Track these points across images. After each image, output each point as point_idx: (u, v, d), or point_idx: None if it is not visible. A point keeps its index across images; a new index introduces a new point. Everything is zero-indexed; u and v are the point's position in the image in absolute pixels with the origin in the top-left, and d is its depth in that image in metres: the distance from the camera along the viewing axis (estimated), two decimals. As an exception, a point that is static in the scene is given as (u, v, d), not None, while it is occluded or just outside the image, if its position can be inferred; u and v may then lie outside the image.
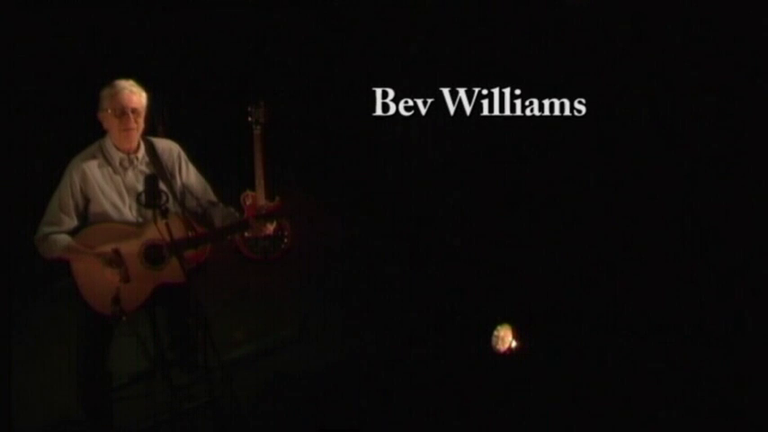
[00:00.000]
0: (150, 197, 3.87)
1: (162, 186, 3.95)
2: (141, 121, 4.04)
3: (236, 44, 5.30)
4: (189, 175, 4.21)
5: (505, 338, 4.72)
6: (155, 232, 3.88)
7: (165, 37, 5.18)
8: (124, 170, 4.06)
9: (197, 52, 5.27)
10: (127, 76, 4.07)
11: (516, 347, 4.70)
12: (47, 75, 5.03)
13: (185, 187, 4.20)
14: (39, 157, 4.92)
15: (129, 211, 4.05)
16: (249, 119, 5.15)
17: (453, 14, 5.21)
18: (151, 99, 4.08)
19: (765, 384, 4.31)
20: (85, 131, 4.18)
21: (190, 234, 4.06)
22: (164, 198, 3.90)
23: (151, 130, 4.22)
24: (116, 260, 3.92)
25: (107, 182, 4.03)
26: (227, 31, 5.29)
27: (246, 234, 4.30)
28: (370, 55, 5.33)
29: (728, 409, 4.23)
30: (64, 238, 3.95)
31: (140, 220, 4.04)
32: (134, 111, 4.00)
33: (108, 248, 3.93)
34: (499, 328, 4.74)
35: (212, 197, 4.26)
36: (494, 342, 4.73)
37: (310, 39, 5.36)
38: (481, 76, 5.18)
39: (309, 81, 5.38)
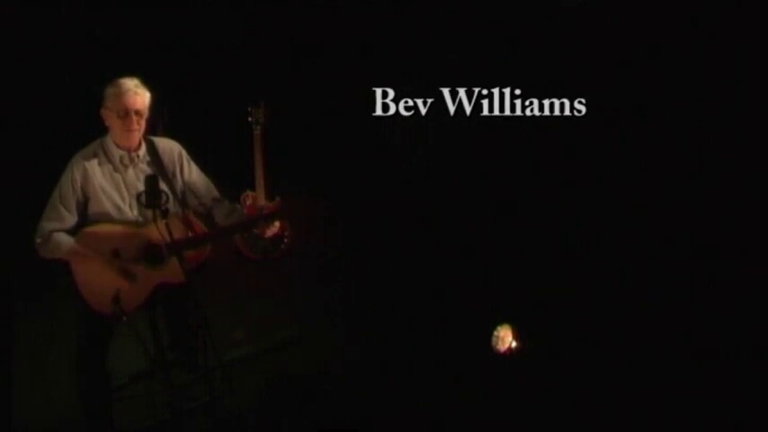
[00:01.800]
0: (150, 198, 3.87)
1: (163, 186, 3.96)
2: (144, 121, 4.05)
3: (236, 44, 5.30)
4: (191, 174, 4.21)
5: (505, 338, 4.72)
6: (155, 232, 3.88)
7: (165, 37, 5.18)
8: (125, 168, 4.06)
9: (197, 52, 5.27)
10: (127, 75, 4.07)
11: (516, 347, 4.70)
12: (47, 73, 5.02)
13: (187, 186, 4.20)
14: (39, 157, 4.91)
15: (129, 210, 4.05)
16: (249, 119, 5.14)
17: (453, 14, 5.21)
18: (154, 98, 4.08)
19: (765, 385, 4.31)
20: (86, 130, 4.18)
21: (190, 234, 4.06)
22: (164, 198, 3.91)
23: (151, 129, 4.22)
24: (121, 265, 3.94)
25: (107, 180, 4.03)
26: (227, 31, 5.28)
27: (256, 230, 4.29)
28: (370, 55, 5.33)
29: (728, 410, 4.23)
30: (68, 240, 3.95)
31: (141, 219, 4.04)
32: (137, 112, 4.01)
33: (108, 249, 3.93)
34: (499, 328, 4.74)
35: (216, 194, 4.26)
36: (494, 342, 4.73)
37: (310, 39, 5.36)
38: (481, 76, 5.18)
39: (309, 81, 5.38)
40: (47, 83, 5.03)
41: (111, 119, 4.03)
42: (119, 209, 4.03)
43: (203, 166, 4.31)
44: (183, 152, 4.22)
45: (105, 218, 4.01)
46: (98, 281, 3.95)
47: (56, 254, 3.95)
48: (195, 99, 5.26)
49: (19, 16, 4.91)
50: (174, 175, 4.15)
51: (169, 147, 4.19)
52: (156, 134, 4.32)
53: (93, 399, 4.14)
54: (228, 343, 4.82)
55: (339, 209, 5.44)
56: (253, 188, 5.20)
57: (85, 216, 4.02)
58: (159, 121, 4.68)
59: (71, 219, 3.99)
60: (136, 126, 4.01)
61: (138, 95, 4.01)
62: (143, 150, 4.10)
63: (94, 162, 4.03)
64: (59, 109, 5.03)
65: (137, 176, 4.05)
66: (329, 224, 5.42)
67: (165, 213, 3.87)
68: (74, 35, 5.05)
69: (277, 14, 5.30)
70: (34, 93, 5.01)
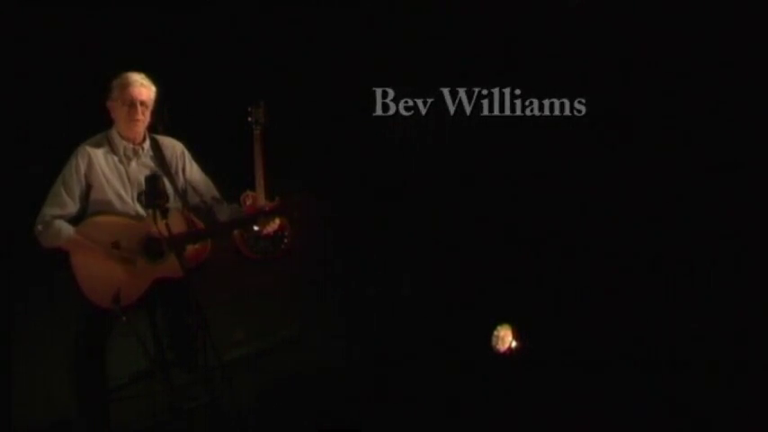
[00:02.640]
0: (151, 198, 3.89)
1: (165, 182, 3.99)
2: (148, 113, 4.13)
3: (236, 44, 5.30)
4: (192, 173, 4.25)
5: (505, 338, 4.72)
6: (154, 226, 3.90)
7: (165, 37, 5.18)
8: (128, 160, 4.10)
9: (197, 52, 5.27)
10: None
11: (516, 347, 4.70)
12: (46, 72, 5.02)
13: (189, 184, 4.24)
14: (39, 156, 4.91)
15: (131, 202, 4.07)
16: (249, 119, 5.14)
17: (454, 14, 5.21)
18: (159, 93, 4.14)
19: (764, 386, 4.31)
20: (86, 130, 4.19)
21: (191, 230, 4.08)
22: (164, 199, 3.92)
23: (152, 129, 4.24)
24: (121, 254, 3.95)
25: (111, 170, 4.07)
26: (227, 31, 5.28)
27: (256, 228, 4.31)
28: (370, 55, 5.33)
29: (728, 410, 4.23)
30: (69, 228, 3.97)
31: (142, 213, 4.06)
32: (143, 103, 4.09)
33: (109, 241, 3.94)
34: (499, 328, 4.74)
35: (216, 194, 4.31)
36: (494, 342, 4.73)
37: (310, 39, 5.36)
38: (481, 76, 5.18)
39: (309, 81, 5.38)
40: (47, 82, 5.03)
41: (116, 109, 4.09)
42: (121, 199, 4.06)
43: (203, 167, 4.33)
44: (186, 151, 4.27)
45: (107, 207, 4.03)
46: (97, 274, 3.96)
47: (56, 241, 3.96)
48: (195, 99, 5.26)
49: (21, 14, 4.91)
50: (176, 171, 4.20)
51: (172, 144, 4.26)
52: (156, 134, 4.33)
53: (90, 397, 4.13)
54: (228, 343, 4.82)
55: (339, 209, 5.44)
56: (253, 188, 5.19)
57: (87, 204, 4.04)
58: (159, 121, 4.69)
59: (73, 206, 4.01)
60: (141, 116, 4.08)
61: (145, 87, 4.11)
62: (147, 145, 4.15)
63: (99, 152, 4.08)
64: (59, 108, 5.03)
65: (139, 170, 4.10)
66: (329, 224, 5.42)
67: (165, 213, 3.88)
68: (75, 34, 5.05)
69: (277, 14, 5.30)
70: (35, 91, 5.00)
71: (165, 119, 4.82)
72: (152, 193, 3.89)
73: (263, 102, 5.13)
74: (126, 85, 4.07)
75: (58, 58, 5.04)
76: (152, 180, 3.92)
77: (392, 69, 5.30)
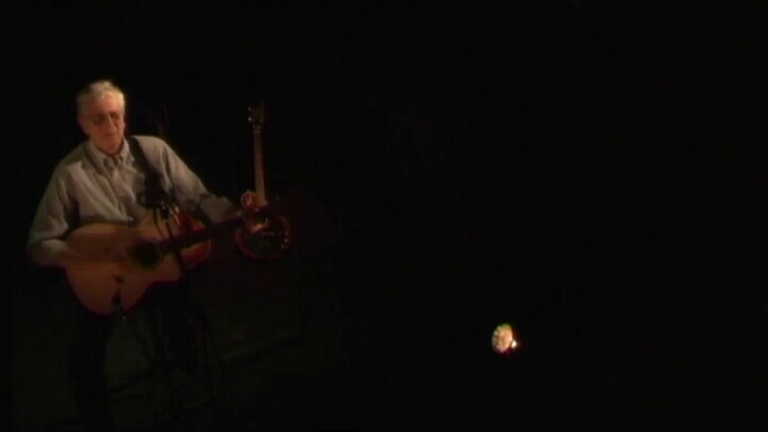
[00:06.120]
0: (151, 197, 3.87)
1: (161, 186, 3.97)
2: (121, 122, 4.00)
3: (236, 44, 5.30)
4: (178, 171, 4.17)
5: (505, 338, 4.72)
6: (146, 231, 3.90)
7: (165, 37, 5.18)
8: (110, 171, 4.04)
9: (197, 52, 5.27)
10: (126, 76, 4.06)
11: (516, 347, 4.70)
12: (41, 76, 5.02)
13: (175, 183, 4.17)
14: (37, 159, 4.91)
15: (119, 211, 4.03)
16: (249, 119, 5.14)
17: (453, 15, 5.22)
18: (128, 99, 4.01)
19: (764, 384, 4.31)
20: (83, 131, 4.18)
21: (183, 233, 4.07)
22: (165, 198, 3.90)
23: (151, 130, 4.22)
24: (115, 255, 3.94)
25: (94, 184, 4.00)
26: (227, 31, 5.29)
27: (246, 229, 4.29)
28: (369, 55, 5.33)
29: (728, 410, 4.23)
30: (57, 245, 3.93)
31: (131, 219, 4.03)
32: (113, 114, 3.96)
33: (100, 249, 3.92)
34: (499, 328, 4.74)
35: (203, 190, 4.22)
36: (494, 342, 4.73)
37: (310, 39, 5.36)
38: (481, 75, 5.18)
39: (309, 81, 5.38)
40: (42, 86, 5.03)
41: (88, 126, 3.99)
42: (109, 211, 4.01)
43: (203, 167, 4.31)
44: (168, 149, 4.17)
45: (97, 220, 3.99)
46: (93, 283, 3.93)
47: (47, 259, 3.93)
48: (195, 99, 5.26)
49: (14, 18, 4.91)
50: (160, 173, 4.12)
51: (153, 145, 4.15)
52: (156, 135, 4.32)
53: (91, 399, 4.12)
54: (228, 343, 4.82)
55: (339, 208, 5.44)
56: (253, 188, 5.20)
57: (77, 220, 4.00)
58: (159, 122, 4.68)
59: (60, 227, 3.96)
60: (114, 128, 3.97)
61: (111, 97, 3.96)
62: (126, 151, 4.05)
63: (78, 167, 4.00)
64: (56, 111, 5.03)
65: (123, 178, 4.04)
66: (329, 224, 5.42)
67: (166, 213, 3.86)
68: (71, 37, 5.05)
69: (277, 15, 5.30)
70: (28, 96, 5.00)
71: (165, 119, 4.83)
72: (152, 193, 3.88)
73: (263, 102, 5.14)
74: (92, 100, 3.92)
75: (54, 61, 5.04)
76: (151, 180, 3.90)
77: (391, 69, 5.31)
